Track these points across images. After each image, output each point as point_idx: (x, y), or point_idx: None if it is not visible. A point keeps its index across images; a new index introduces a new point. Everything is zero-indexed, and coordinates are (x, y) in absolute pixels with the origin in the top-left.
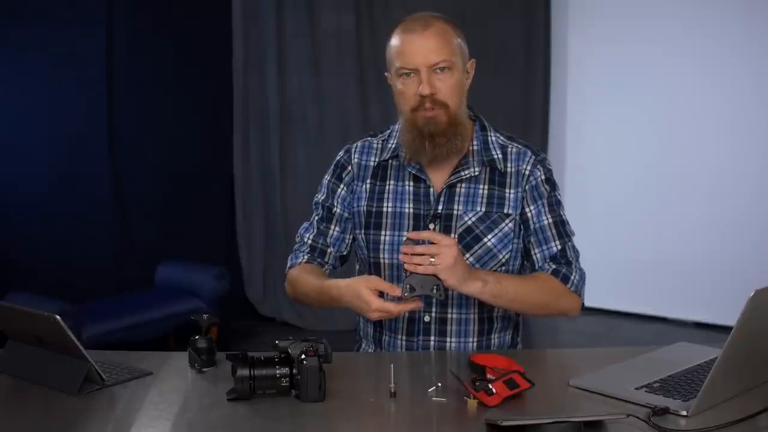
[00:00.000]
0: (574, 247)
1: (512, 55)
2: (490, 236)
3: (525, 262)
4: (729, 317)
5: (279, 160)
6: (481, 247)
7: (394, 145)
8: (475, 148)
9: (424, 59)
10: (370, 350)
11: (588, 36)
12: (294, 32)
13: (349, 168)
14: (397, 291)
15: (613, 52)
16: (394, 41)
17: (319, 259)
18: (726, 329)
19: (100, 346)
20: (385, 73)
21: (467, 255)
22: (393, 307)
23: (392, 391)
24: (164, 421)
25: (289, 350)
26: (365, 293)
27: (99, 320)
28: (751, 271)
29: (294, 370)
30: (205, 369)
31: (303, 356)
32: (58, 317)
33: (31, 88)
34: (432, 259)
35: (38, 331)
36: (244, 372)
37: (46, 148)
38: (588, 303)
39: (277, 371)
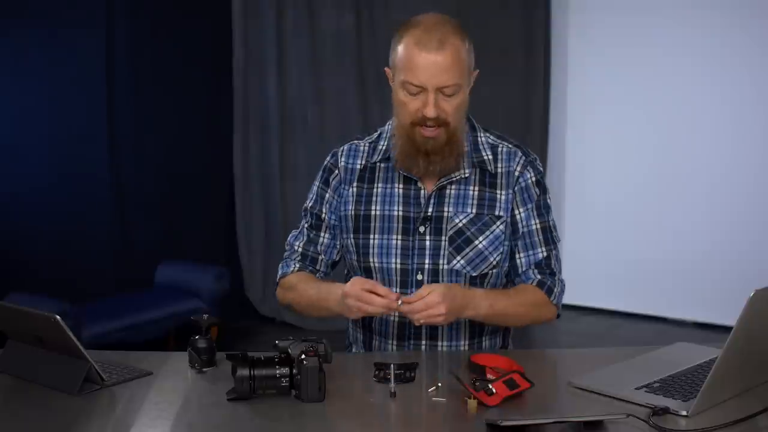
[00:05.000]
0: (558, 256)
1: (512, 55)
2: (481, 238)
3: (508, 262)
4: (729, 317)
5: (279, 160)
6: (472, 249)
7: (384, 147)
8: (465, 149)
9: (435, 81)
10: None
11: (588, 36)
12: (294, 32)
13: (336, 172)
14: (392, 296)
15: (613, 52)
16: (405, 51)
17: (310, 267)
18: (726, 329)
19: (100, 346)
20: (386, 68)
21: (458, 257)
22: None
23: (392, 391)
24: (164, 421)
25: (289, 350)
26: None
27: (99, 320)
28: (751, 271)
29: (294, 370)
30: (205, 369)
31: (303, 356)
32: (58, 317)
33: (31, 88)
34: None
35: (38, 331)
36: (244, 372)
37: (46, 148)
38: (588, 303)
39: (277, 371)
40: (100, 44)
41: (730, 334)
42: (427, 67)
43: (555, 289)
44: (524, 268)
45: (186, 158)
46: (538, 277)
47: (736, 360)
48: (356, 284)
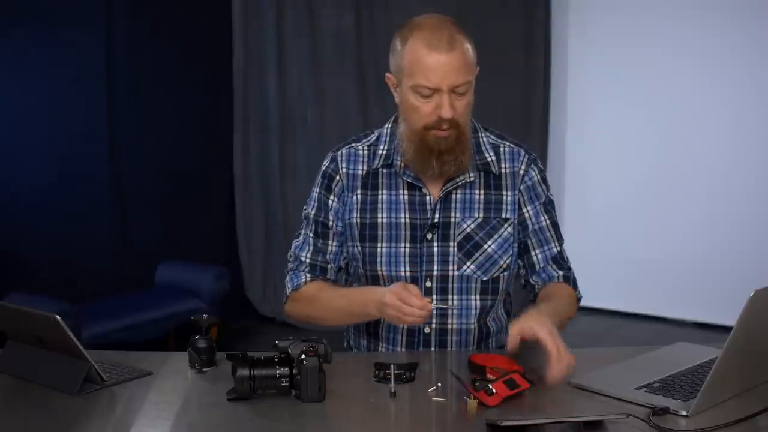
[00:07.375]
0: (565, 250)
1: (512, 55)
2: (490, 242)
3: (521, 261)
4: (729, 317)
5: (279, 160)
6: (482, 254)
7: (385, 152)
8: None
9: (449, 81)
10: None
11: (588, 36)
12: (294, 32)
13: (338, 178)
14: (428, 306)
15: (613, 52)
16: (413, 54)
17: (321, 276)
18: (726, 329)
19: (100, 346)
20: (387, 74)
21: (468, 263)
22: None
23: (392, 391)
24: (164, 421)
25: (289, 350)
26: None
27: (99, 320)
28: (751, 271)
29: (294, 370)
30: (205, 369)
31: (303, 356)
32: (58, 317)
33: (31, 88)
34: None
35: (38, 331)
36: (244, 372)
37: (46, 148)
38: (588, 303)
39: (277, 371)
40: (100, 44)
41: (730, 334)
42: (439, 68)
43: (576, 283)
44: (542, 264)
45: (186, 158)
46: (561, 272)
47: (736, 360)
48: (393, 295)
